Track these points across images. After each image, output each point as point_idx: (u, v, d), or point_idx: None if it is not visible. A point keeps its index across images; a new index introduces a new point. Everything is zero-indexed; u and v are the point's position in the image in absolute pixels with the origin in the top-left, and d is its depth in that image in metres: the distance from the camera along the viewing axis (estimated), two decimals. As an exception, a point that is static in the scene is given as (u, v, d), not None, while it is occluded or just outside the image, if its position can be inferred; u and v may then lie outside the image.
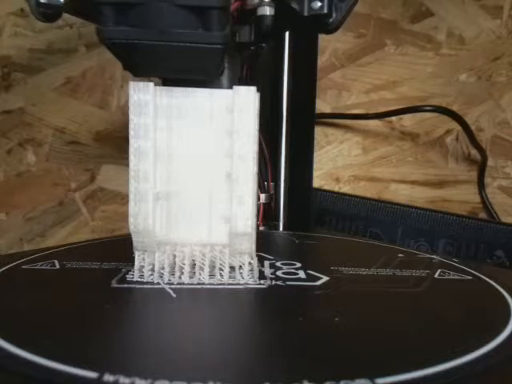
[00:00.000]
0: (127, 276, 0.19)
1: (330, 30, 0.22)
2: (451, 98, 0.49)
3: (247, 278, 0.19)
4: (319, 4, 0.21)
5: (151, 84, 0.18)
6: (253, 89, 0.19)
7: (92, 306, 0.16)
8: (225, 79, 0.22)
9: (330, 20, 0.22)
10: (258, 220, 0.32)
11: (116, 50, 0.17)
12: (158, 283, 0.18)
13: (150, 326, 0.15)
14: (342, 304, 0.17)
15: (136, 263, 0.19)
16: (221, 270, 0.19)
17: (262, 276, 0.20)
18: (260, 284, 0.19)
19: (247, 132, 0.19)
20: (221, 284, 0.19)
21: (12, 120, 0.50)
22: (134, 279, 0.19)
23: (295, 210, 0.36)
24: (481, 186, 0.49)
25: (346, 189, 0.51)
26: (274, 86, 0.36)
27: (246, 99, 0.18)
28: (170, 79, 0.20)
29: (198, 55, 0.17)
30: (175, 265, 0.19)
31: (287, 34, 0.35)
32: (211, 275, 0.19)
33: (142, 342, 0.14)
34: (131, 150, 0.18)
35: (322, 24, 0.22)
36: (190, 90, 0.19)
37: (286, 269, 0.21)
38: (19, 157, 0.50)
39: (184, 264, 0.19)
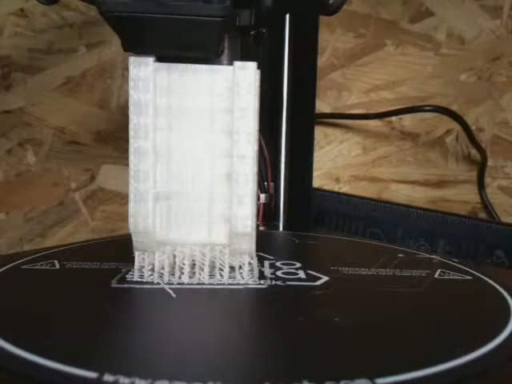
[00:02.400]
0: (127, 276, 0.19)
1: (330, 11, 0.22)
2: (451, 98, 0.49)
3: (247, 278, 0.19)
4: (319, -16, 0.21)
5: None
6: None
7: (92, 306, 0.16)
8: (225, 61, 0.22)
9: (330, 1, 0.21)
10: (258, 220, 0.32)
11: (115, 24, 0.17)
12: (158, 283, 0.18)
13: (149, 326, 0.15)
14: (342, 304, 0.17)
15: (136, 263, 0.19)
16: (221, 270, 0.19)
17: (261, 276, 0.20)
18: (260, 284, 0.19)
19: (247, 132, 0.19)
20: (221, 284, 0.19)
21: (12, 120, 0.50)
22: (134, 279, 0.19)
23: (295, 210, 0.36)
24: (481, 186, 0.49)
25: (345, 189, 0.51)
26: (274, 86, 0.36)
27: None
28: (169, 59, 0.20)
29: (198, 28, 0.17)
30: (175, 265, 0.19)
31: (287, 33, 0.35)
32: (211, 275, 0.19)
33: (142, 342, 0.14)
34: (131, 149, 0.18)
35: (322, 5, 0.21)
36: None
37: (285, 269, 0.21)
38: (19, 157, 0.50)
39: (184, 264, 0.19)
